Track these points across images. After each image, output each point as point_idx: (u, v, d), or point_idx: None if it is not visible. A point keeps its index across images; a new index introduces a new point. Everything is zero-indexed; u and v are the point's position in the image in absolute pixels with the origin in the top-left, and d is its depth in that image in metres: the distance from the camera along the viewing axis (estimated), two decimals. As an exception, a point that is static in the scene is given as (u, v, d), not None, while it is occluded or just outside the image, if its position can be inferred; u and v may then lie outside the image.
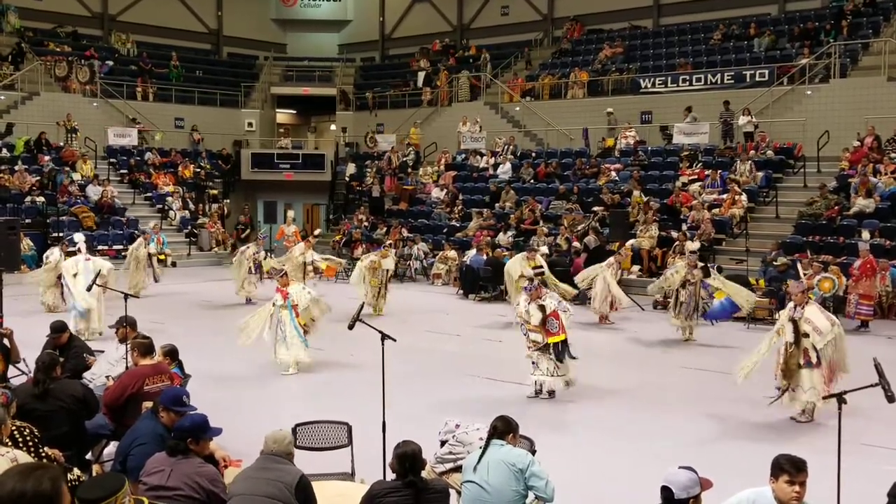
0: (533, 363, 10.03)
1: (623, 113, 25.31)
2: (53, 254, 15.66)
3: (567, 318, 10.07)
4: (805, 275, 15.59)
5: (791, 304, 9.41)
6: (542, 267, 15.95)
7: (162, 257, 18.60)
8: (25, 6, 30.84)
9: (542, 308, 9.96)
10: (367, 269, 16.15)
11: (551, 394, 9.98)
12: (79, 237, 15.34)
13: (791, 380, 9.15)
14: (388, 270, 16.55)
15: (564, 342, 9.93)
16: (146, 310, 14.13)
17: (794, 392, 9.15)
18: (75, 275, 13.60)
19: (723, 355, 12.68)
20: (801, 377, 9.06)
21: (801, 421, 9.07)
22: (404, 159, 28.44)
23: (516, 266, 15.63)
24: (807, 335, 9.00)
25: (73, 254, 14.84)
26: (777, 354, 9.35)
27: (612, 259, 15.85)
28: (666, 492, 4.29)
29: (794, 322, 9.13)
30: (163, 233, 19.87)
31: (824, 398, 5.85)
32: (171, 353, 7.39)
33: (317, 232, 23.30)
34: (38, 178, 24.16)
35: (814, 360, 8.95)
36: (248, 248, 17.96)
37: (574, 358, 10.05)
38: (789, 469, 4.25)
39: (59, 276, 14.63)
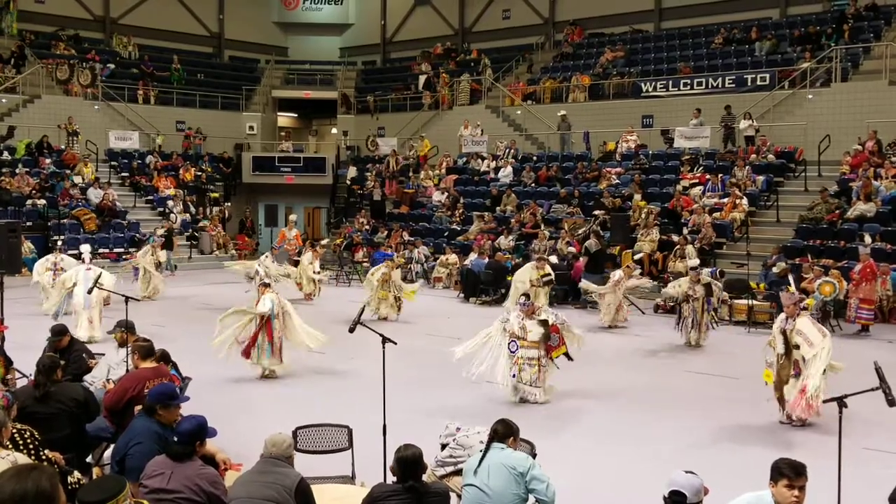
0: (513, 376, 9.93)
1: (624, 117, 25.32)
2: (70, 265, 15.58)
3: (565, 329, 10.04)
4: (806, 278, 15.63)
5: (782, 316, 9.38)
6: (550, 275, 15.93)
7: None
8: (27, 9, 30.90)
9: (543, 323, 9.93)
10: (379, 282, 16.13)
11: (525, 400, 9.92)
12: (85, 248, 15.38)
13: (782, 391, 9.14)
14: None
15: (566, 354, 9.96)
16: (147, 314, 14.18)
17: (785, 402, 9.15)
18: (74, 284, 13.63)
19: (723, 359, 12.68)
20: (788, 388, 9.05)
21: (794, 424, 9.06)
22: (405, 163, 28.46)
23: (525, 275, 15.55)
24: (797, 347, 8.98)
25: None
26: (766, 366, 9.33)
27: (620, 272, 15.84)
28: (678, 496, 4.29)
29: (784, 333, 9.12)
30: (153, 237, 20.03)
31: (825, 401, 5.84)
32: (164, 358, 7.37)
33: (324, 242, 23.34)
34: (38, 180, 24.17)
35: (803, 371, 8.92)
36: (266, 256, 18.09)
37: (570, 359, 10.04)
38: (789, 473, 4.26)
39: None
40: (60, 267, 15.68)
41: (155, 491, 4.78)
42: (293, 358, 11.70)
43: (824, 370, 8.69)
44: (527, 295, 10.75)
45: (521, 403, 9.83)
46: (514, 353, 9.92)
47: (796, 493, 4.23)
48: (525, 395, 9.93)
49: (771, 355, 9.27)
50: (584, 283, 16.55)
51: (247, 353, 11.05)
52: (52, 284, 15.26)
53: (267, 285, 11.67)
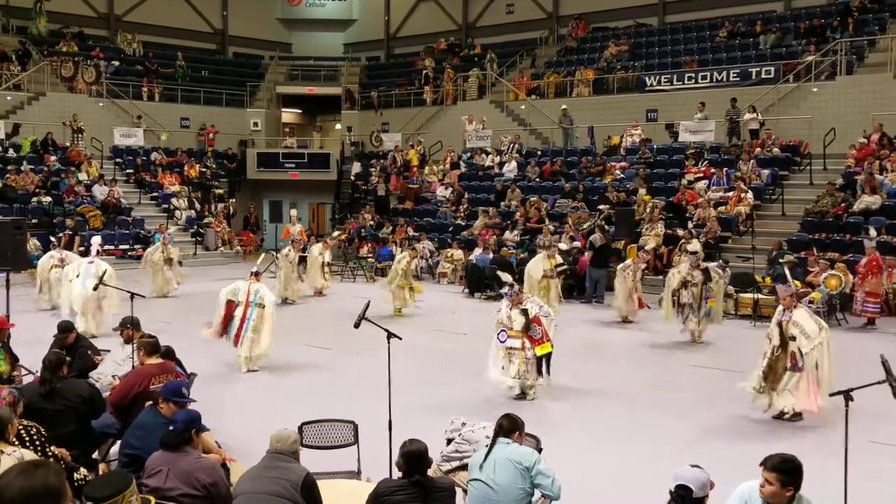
0: (502, 367, 9.87)
1: (628, 111, 25.29)
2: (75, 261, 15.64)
3: (549, 323, 9.90)
4: (811, 272, 15.59)
5: (779, 308, 9.34)
6: (563, 264, 15.84)
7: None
8: (31, 7, 30.91)
9: (524, 312, 9.86)
10: (404, 271, 16.10)
11: (522, 396, 9.84)
12: (95, 240, 15.44)
13: (775, 382, 9.12)
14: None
15: (549, 354, 9.79)
16: (152, 310, 14.20)
17: (775, 394, 9.13)
18: (77, 276, 13.66)
19: (727, 353, 12.65)
20: (783, 380, 9.02)
21: (787, 419, 9.03)
22: (408, 159, 28.45)
23: (538, 266, 15.28)
24: (793, 338, 8.96)
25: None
26: (762, 357, 9.31)
27: (629, 262, 15.81)
28: (683, 490, 4.30)
29: (780, 325, 9.09)
30: (163, 233, 20.07)
31: (831, 395, 5.83)
32: (168, 354, 7.37)
33: (335, 234, 23.37)
34: (41, 176, 24.21)
35: (799, 363, 8.89)
36: (288, 251, 18.10)
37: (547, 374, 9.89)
38: (761, 464, 4.36)
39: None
40: (67, 263, 15.73)
41: (154, 490, 4.79)
42: (300, 354, 11.74)
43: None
44: (511, 284, 10.57)
45: (523, 399, 9.80)
46: (503, 343, 9.89)
47: (762, 481, 4.31)
48: (512, 387, 9.82)
49: (767, 347, 9.25)
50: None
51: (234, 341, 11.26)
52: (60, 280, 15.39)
53: (255, 274, 11.64)
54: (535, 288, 14.83)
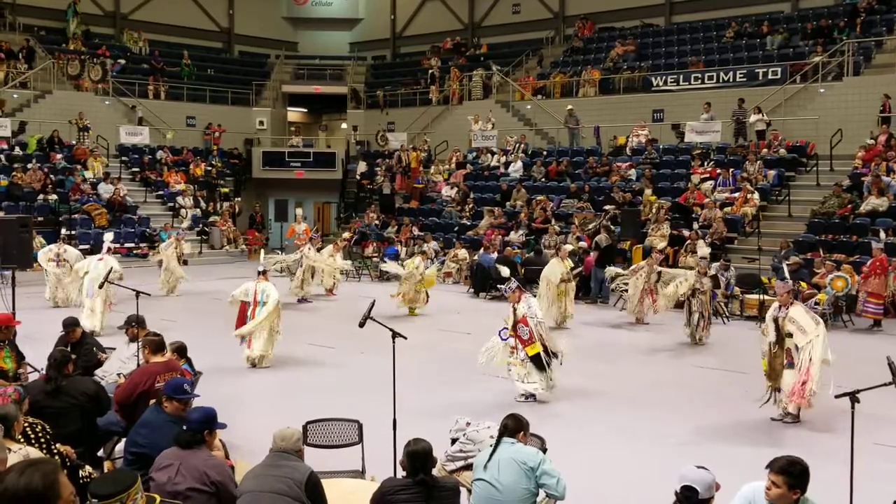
0: (509, 369, 9.89)
1: (635, 111, 25.25)
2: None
3: (535, 324, 9.81)
4: (817, 273, 15.54)
5: (775, 304, 9.30)
6: (577, 267, 15.81)
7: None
8: (37, 5, 31.00)
9: (514, 312, 9.89)
10: (420, 275, 16.19)
11: (527, 397, 9.78)
12: (108, 236, 15.42)
13: (776, 381, 9.09)
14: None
15: (544, 351, 9.75)
16: (157, 308, 14.22)
17: (778, 393, 9.09)
18: (86, 273, 13.79)
19: (733, 354, 12.61)
20: (783, 378, 8.99)
21: (786, 421, 9.00)
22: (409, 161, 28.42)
23: (555, 270, 14.93)
24: (790, 335, 8.91)
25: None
26: (762, 356, 9.28)
27: (642, 263, 15.75)
28: (689, 491, 4.28)
29: (776, 321, 9.06)
30: (173, 230, 20.09)
31: (837, 396, 5.80)
32: (180, 351, 7.39)
33: (345, 235, 23.36)
34: (46, 173, 24.26)
35: (795, 360, 8.84)
36: (309, 248, 18.13)
37: (556, 356, 9.83)
38: (767, 466, 4.33)
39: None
40: (64, 258, 15.83)
41: (163, 484, 4.79)
42: (305, 353, 11.75)
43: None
44: (509, 279, 10.49)
45: (526, 400, 9.77)
46: (504, 340, 9.93)
47: (768, 483, 4.29)
48: (517, 389, 9.82)
49: (764, 344, 9.22)
50: (610, 269, 16.36)
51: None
52: (57, 275, 15.56)
53: (262, 273, 11.69)
54: (554, 293, 14.73)
